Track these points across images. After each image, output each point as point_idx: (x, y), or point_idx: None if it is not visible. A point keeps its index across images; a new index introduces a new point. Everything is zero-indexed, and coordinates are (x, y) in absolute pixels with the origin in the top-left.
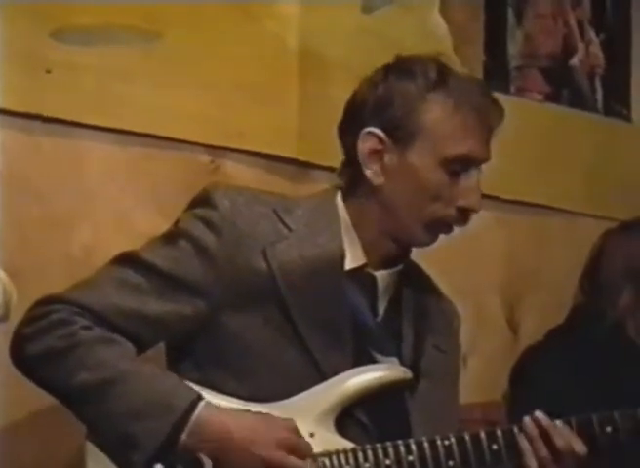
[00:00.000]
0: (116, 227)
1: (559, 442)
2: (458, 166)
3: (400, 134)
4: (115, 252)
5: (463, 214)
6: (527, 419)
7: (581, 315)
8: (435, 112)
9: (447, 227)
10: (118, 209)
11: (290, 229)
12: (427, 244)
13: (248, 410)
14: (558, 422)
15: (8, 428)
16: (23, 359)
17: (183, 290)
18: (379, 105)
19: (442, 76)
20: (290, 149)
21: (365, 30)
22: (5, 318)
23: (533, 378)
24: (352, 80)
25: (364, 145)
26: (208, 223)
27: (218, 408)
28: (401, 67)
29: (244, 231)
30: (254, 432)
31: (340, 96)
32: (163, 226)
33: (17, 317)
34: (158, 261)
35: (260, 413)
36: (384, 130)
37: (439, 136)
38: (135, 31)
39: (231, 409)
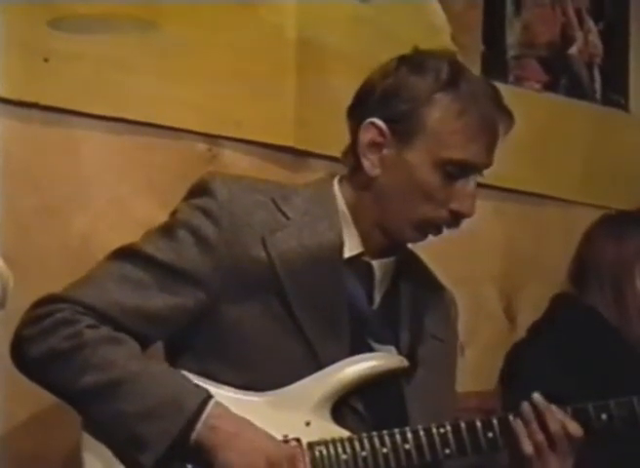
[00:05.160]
0: (113, 216)
1: (553, 425)
2: (454, 170)
3: (401, 129)
4: (112, 240)
5: (455, 218)
6: (525, 403)
7: (556, 304)
8: (439, 113)
9: (436, 229)
10: (115, 197)
11: (288, 218)
12: (415, 241)
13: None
14: (553, 406)
15: (5, 418)
16: (26, 361)
17: (185, 281)
18: (385, 96)
19: (454, 77)
20: (287, 138)
21: (363, 20)
22: (1, 305)
23: (521, 376)
24: (350, 69)
25: (364, 135)
26: (207, 213)
27: (226, 407)
28: (414, 61)
29: (243, 220)
30: (262, 432)
31: (337, 85)
32: (160, 215)
33: (13, 304)
34: (158, 254)
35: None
36: (387, 122)
37: (439, 138)
38: (133, 20)
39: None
